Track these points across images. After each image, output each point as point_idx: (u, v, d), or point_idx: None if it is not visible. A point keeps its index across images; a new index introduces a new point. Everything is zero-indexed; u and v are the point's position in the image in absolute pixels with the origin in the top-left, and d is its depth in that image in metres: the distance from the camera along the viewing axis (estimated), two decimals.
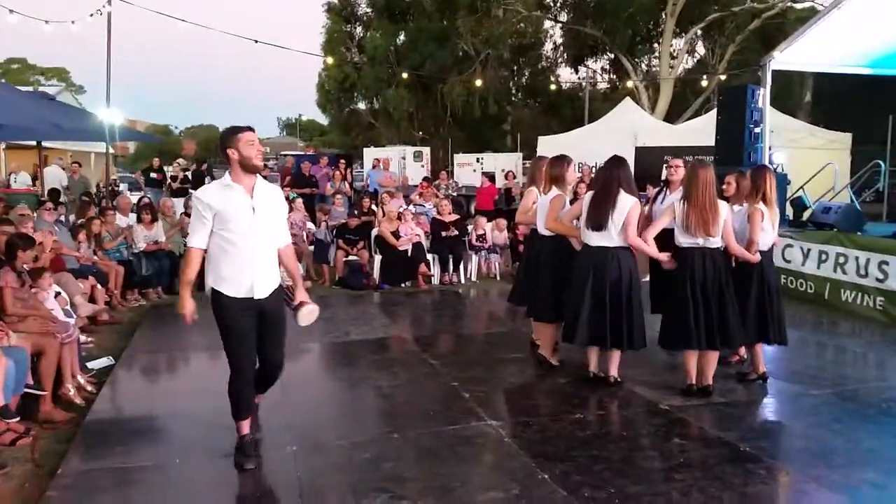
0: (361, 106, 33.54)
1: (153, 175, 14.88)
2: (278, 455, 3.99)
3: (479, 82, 25.70)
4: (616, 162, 5.15)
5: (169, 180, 14.98)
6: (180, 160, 17.86)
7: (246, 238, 3.67)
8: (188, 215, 10.19)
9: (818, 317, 7.83)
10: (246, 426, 3.89)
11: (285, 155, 32.17)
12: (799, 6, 22.39)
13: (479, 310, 8.85)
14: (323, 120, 38.32)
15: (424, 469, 3.85)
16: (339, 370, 6.02)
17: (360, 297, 8.87)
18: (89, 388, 5.11)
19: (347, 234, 9.62)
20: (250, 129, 3.75)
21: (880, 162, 12.13)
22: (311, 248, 10.08)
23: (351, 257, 9.54)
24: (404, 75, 25.85)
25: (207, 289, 3.75)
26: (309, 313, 3.95)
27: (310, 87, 34.39)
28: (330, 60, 28.59)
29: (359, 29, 32.68)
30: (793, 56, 9.58)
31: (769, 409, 5.03)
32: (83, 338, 5.97)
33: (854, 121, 18.79)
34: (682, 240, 4.94)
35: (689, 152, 12.00)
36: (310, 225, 10.65)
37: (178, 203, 11.04)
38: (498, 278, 10.16)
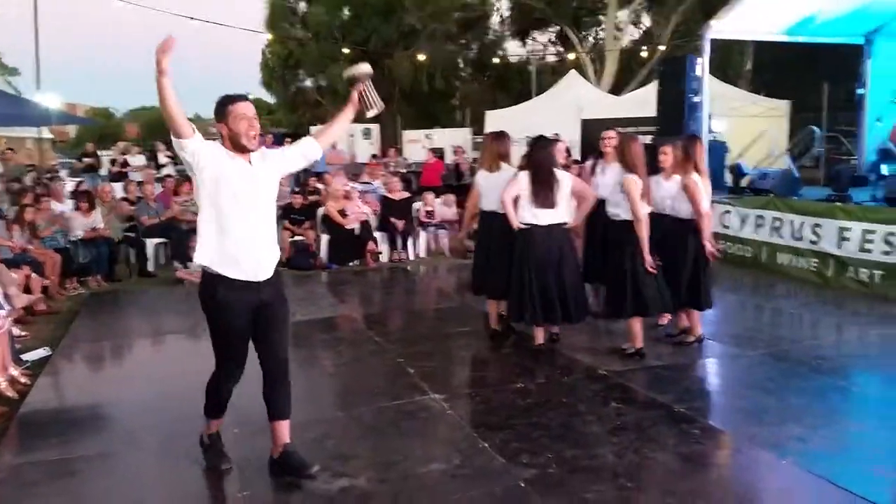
0: (308, 83, 32.94)
1: (87, 160, 14.43)
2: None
3: (422, 57, 25.45)
4: (549, 141, 5.36)
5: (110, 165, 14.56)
6: (120, 143, 17.35)
7: (247, 212, 3.21)
8: (127, 200, 9.97)
9: (756, 280, 8.08)
10: (216, 424, 3.60)
11: None
12: None
13: (427, 286, 8.88)
14: (270, 99, 37.54)
15: (368, 445, 3.87)
16: None
17: (307, 277, 8.80)
18: (24, 380, 4.97)
19: (293, 215, 9.52)
20: (243, 98, 3.26)
21: (814, 128, 12.48)
22: None
23: (297, 238, 9.45)
24: (347, 51, 25.43)
25: (195, 267, 3.46)
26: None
27: (256, 66, 33.43)
28: (269, 36, 27.94)
29: (302, 4, 31.99)
30: (730, 25, 9.74)
31: (705, 370, 5.19)
32: (16, 330, 5.79)
33: (792, 88, 19.28)
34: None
35: (634, 123, 12.18)
36: None
37: (118, 188, 10.73)
38: (447, 254, 10.19)
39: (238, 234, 3.20)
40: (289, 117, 34.76)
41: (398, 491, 3.32)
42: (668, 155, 5.61)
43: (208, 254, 3.20)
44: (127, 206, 9.76)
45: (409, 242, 9.94)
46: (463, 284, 7.26)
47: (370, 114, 3.59)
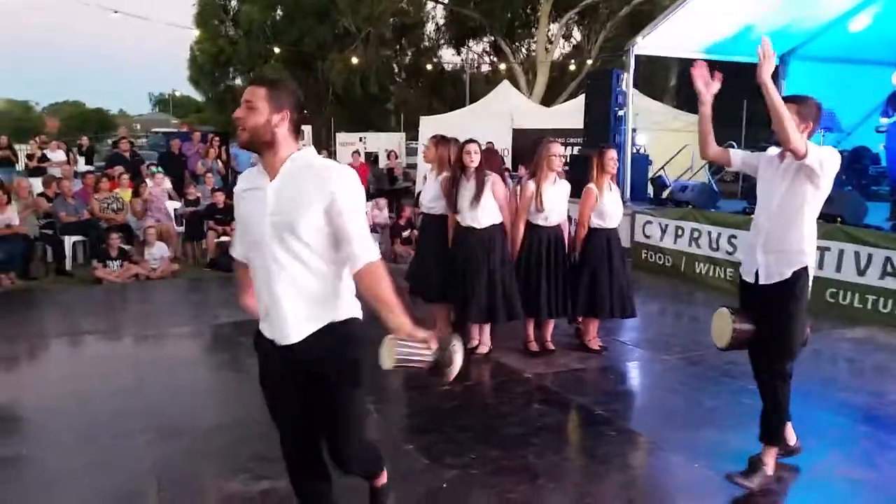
0: (238, 82, 32.33)
1: (1, 153, 13.74)
2: (136, 444, 3.86)
3: (354, 60, 25.37)
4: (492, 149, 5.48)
5: (25, 159, 13.91)
6: (38, 138, 16.60)
7: (260, 248, 2.33)
8: (45, 196, 9.56)
9: (675, 288, 8.39)
10: None
11: (157, 132, 30.63)
12: None
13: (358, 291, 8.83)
14: (198, 96, 36.65)
15: None
16: (205, 355, 5.87)
17: (232, 278, 8.59)
18: None
19: (217, 214, 9.33)
20: (253, 80, 2.40)
21: (733, 143, 13.04)
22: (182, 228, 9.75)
23: (223, 238, 9.26)
24: (277, 50, 25.11)
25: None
26: (389, 350, 2.22)
27: (184, 62, 32.66)
28: (197, 33, 27.32)
29: (234, 1, 31.40)
30: (654, 41, 10.11)
31: (624, 374, 5.37)
32: None
33: (713, 104, 20.12)
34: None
35: (563, 134, 12.43)
36: (170, 203, 10.29)
37: (36, 183, 10.28)
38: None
39: (255, 278, 2.42)
40: (218, 116, 33.93)
41: None
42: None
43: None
44: (44, 203, 9.37)
45: None
46: (399, 286, 7.25)
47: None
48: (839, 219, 7.06)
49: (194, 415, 4.36)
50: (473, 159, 5.11)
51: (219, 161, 12.92)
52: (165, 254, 8.77)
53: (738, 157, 3.56)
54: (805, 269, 3.31)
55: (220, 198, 9.61)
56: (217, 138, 14.16)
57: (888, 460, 3.88)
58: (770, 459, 3.46)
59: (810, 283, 3.36)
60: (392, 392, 4.78)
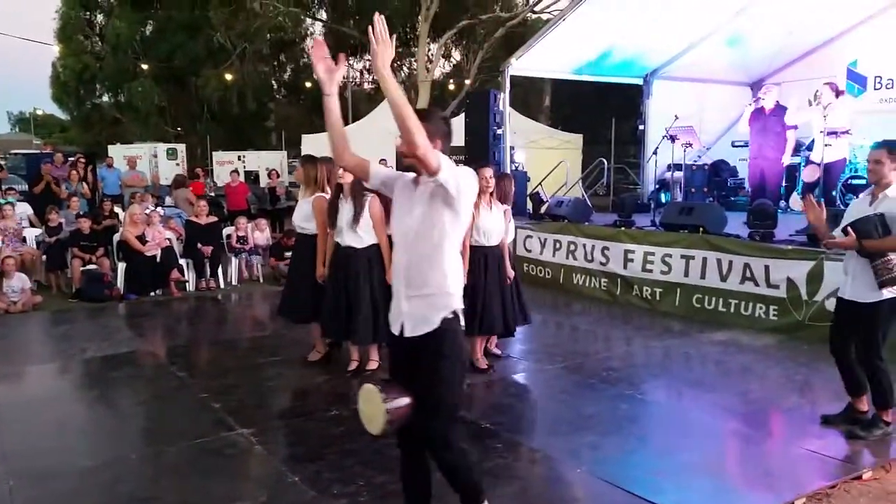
0: (105, 99, 30.64)
1: None
2: None
3: (229, 76, 24.71)
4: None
5: None
6: None
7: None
8: None
9: (555, 299, 8.65)
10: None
11: (16, 154, 28.38)
12: (536, 17, 24.52)
13: (239, 315, 8.53)
14: (62, 115, 34.41)
15: (165, 487, 3.62)
16: (71, 392, 5.45)
17: (101, 309, 8.09)
18: None
19: (82, 241, 8.74)
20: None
21: (604, 160, 13.72)
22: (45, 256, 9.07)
23: (90, 266, 8.68)
24: (145, 66, 24.06)
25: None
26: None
27: (46, 79, 30.59)
28: (57, 49, 25.70)
29: (100, 16, 29.79)
30: (528, 63, 10.46)
31: (509, 386, 5.44)
32: None
33: (585, 123, 21.14)
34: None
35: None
36: (29, 231, 9.58)
37: None
38: (261, 281, 9.87)
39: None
40: (83, 135, 31.99)
41: None
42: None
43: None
44: None
45: (219, 269, 9.51)
46: (276, 311, 7.06)
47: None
48: (702, 228, 7.53)
49: (65, 455, 4.04)
50: (346, 179, 5.06)
51: (84, 184, 12.13)
52: (27, 285, 8.11)
53: (378, 175, 2.89)
54: (456, 316, 2.75)
55: (85, 224, 8.99)
56: (83, 159, 13.32)
57: (752, 455, 4.15)
58: None
59: (463, 339, 2.85)
60: (274, 421, 4.62)
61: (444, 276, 2.71)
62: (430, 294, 2.72)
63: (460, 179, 2.64)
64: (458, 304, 2.76)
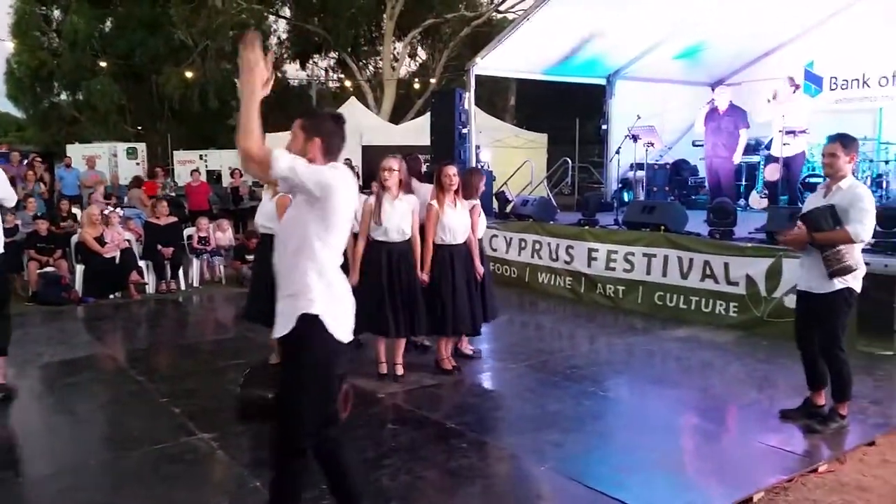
0: (63, 97, 29.88)
1: None
2: None
3: (190, 74, 24.28)
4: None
5: None
6: None
7: None
8: None
9: (521, 298, 8.69)
10: None
11: None
12: (502, 17, 24.61)
13: (201, 318, 8.41)
14: (18, 114, 33.48)
15: (125, 495, 3.55)
16: (24, 399, 5.28)
17: (58, 313, 7.90)
18: None
19: (39, 243, 8.52)
20: None
21: (568, 159, 13.82)
22: None
23: (47, 269, 8.47)
24: (103, 64, 23.52)
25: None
26: None
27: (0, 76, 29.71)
28: (11, 45, 24.98)
29: (57, 12, 29.04)
30: (493, 62, 10.49)
31: (475, 386, 5.45)
32: None
33: (550, 123, 21.27)
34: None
35: (411, 151, 12.59)
36: None
37: None
38: (223, 282, 9.73)
39: None
40: (40, 135, 31.17)
41: None
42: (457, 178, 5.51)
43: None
44: None
45: (180, 271, 9.35)
46: (240, 314, 6.96)
47: None
48: (663, 227, 7.63)
49: (21, 463, 3.97)
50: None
51: (41, 184, 11.84)
52: None
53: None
54: (318, 321, 2.64)
55: (42, 225, 8.77)
56: (39, 159, 13.00)
57: (712, 450, 4.22)
58: None
59: (327, 344, 2.67)
60: (235, 426, 4.52)
61: (307, 278, 2.65)
62: (291, 294, 2.69)
63: (328, 181, 2.60)
64: (323, 309, 2.65)
